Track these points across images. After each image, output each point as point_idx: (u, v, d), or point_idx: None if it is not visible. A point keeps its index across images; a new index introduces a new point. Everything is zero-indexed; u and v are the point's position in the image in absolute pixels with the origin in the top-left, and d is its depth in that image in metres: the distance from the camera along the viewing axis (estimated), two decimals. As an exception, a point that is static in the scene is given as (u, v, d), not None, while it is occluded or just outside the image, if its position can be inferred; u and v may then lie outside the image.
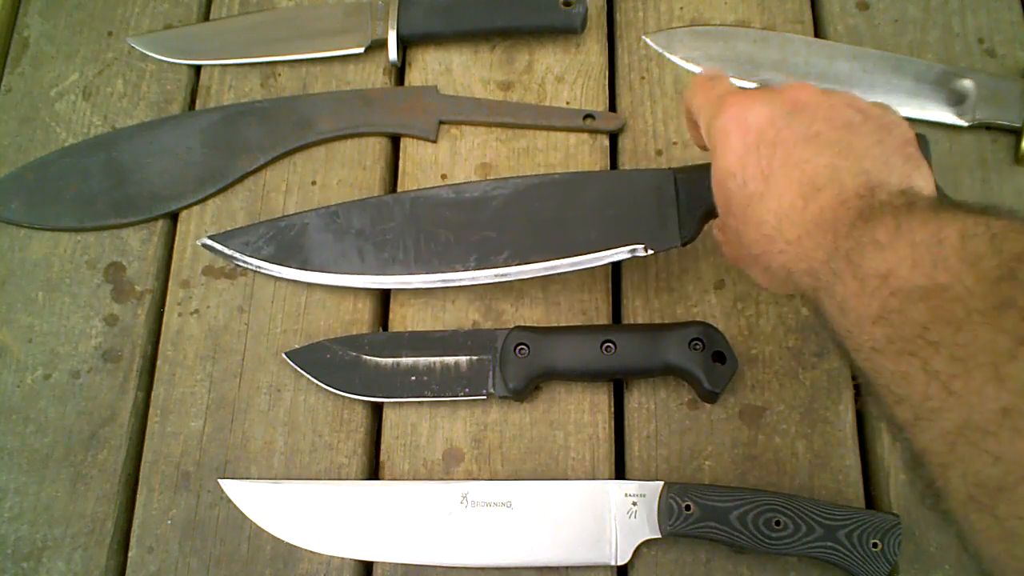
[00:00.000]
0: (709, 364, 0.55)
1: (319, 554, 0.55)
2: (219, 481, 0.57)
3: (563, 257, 0.57)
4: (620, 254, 0.56)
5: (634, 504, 0.53)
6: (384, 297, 0.63)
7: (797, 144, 0.41)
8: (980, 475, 0.28)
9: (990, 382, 0.27)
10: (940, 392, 0.29)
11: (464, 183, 0.62)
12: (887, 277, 0.33)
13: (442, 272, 0.59)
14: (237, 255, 0.63)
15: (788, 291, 0.45)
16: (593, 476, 0.57)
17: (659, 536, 0.52)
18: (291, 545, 0.55)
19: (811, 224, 0.39)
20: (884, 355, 0.33)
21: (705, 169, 0.52)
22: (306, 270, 0.61)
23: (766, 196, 0.41)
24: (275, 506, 0.56)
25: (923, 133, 0.49)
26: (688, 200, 0.55)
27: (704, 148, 0.50)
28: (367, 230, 0.61)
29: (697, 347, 0.56)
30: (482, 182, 0.61)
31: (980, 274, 0.29)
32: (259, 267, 0.62)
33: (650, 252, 0.55)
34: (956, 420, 0.28)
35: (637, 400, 0.58)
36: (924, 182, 0.40)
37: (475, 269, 0.58)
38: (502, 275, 0.58)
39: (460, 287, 0.60)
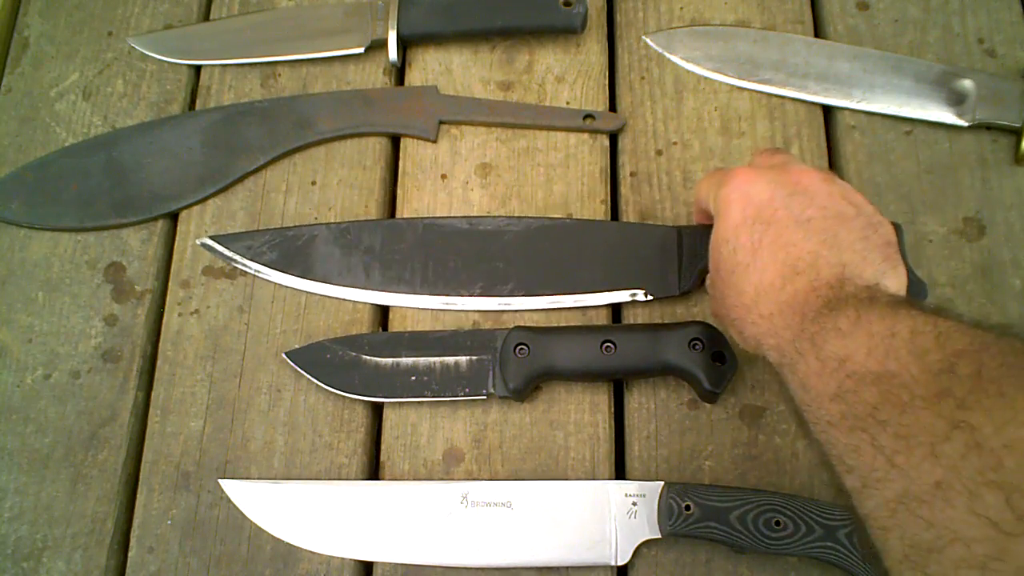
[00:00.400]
0: (709, 364, 0.55)
1: (319, 554, 0.55)
2: (219, 481, 0.57)
3: (567, 294, 0.60)
4: (622, 296, 0.60)
5: (634, 504, 0.53)
6: (384, 297, 0.63)
7: (789, 226, 0.44)
8: (915, 538, 0.31)
9: (927, 459, 0.31)
10: (884, 465, 0.33)
11: (479, 216, 0.63)
12: (845, 361, 0.37)
13: (447, 295, 0.61)
14: (237, 257, 0.63)
15: (758, 354, 0.47)
16: (593, 476, 0.57)
17: (659, 536, 0.52)
18: (291, 545, 0.55)
19: (784, 304, 0.42)
20: (838, 429, 0.36)
21: (707, 229, 0.56)
22: (308, 279, 0.62)
23: (751, 269, 0.44)
24: (275, 506, 0.56)
25: (899, 224, 0.53)
26: (689, 255, 0.60)
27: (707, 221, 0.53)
28: (376, 248, 0.62)
29: (697, 347, 0.56)
30: (497, 218, 0.63)
31: (925, 366, 0.34)
32: (258, 271, 0.63)
33: (650, 298, 0.60)
34: (897, 490, 0.32)
35: (637, 400, 0.58)
36: (895, 281, 0.43)
37: (480, 296, 0.61)
38: (505, 304, 0.61)
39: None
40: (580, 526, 0.53)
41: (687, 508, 0.51)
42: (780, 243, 0.44)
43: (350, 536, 0.55)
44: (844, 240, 0.43)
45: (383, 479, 0.58)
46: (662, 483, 0.53)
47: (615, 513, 0.53)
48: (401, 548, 0.54)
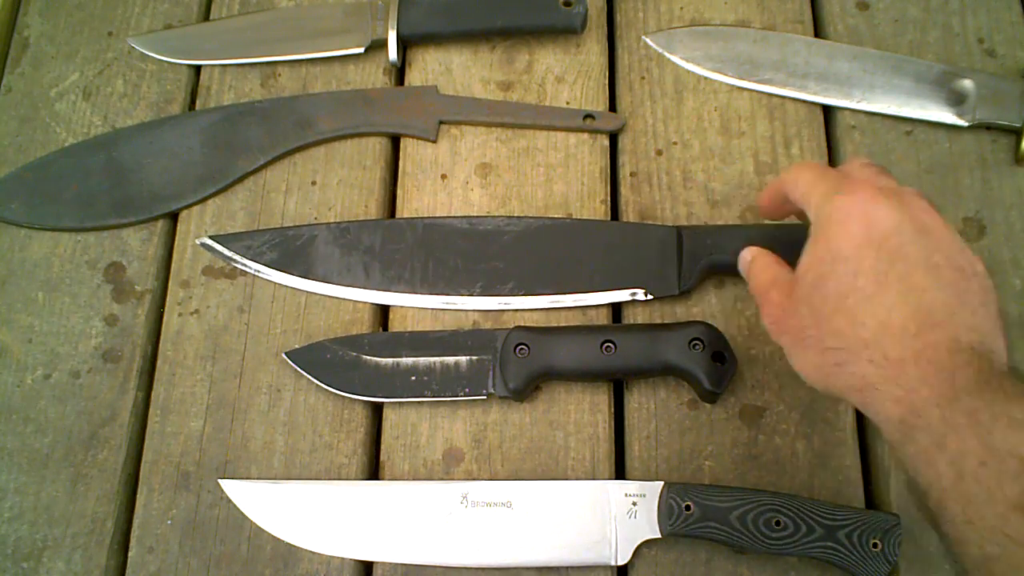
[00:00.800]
0: (709, 364, 0.55)
1: (319, 554, 0.55)
2: (219, 481, 0.57)
3: (567, 293, 0.60)
4: (621, 296, 0.60)
5: (634, 504, 0.53)
6: (384, 297, 0.63)
7: (919, 267, 0.41)
8: None
9: None
10: None
11: (479, 216, 0.63)
12: None
13: (447, 295, 0.61)
14: (237, 257, 0.63)
15: (831, 392, 0.43)
16: (593, 476, 0.57)
17: (659, 536, 0.52)
18: (291, 545, 0.55)
19: (920, 355, 0.39)
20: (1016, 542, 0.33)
21: (706, 229, 0.60)
22: (308, 279, 0.62)
23: (875, 301, 0.40)
24: (275, 506, 0.56)
25: None
26: (689, 255, 0.59)
27: (766, 217, 0.50)
28: (376, 248, 0.62)
29: (697, 347, 0.56)
30: (497, 218, 0.63)
31: None
32: (258, 271, 0.63)
33: (650, 297, 0.60)
34: None
35: (637, 400, 0.58)
36: (1001, 348, 0.41)
37: (480, 295, 0.61)
38: (505, 304, 0.61)
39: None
40: (580, 526, 0.53)
41: (687, 508, 0.51)
42: (910, 283, 0.40)
43: (350, 536, 0.55)
44: (972, 301, 0.40)
45: (383, 479, 0.58)
46: (662, 483, 0.53)
47: (615, 513, 0.53)
48: (401, 548, 0.54)
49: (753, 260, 0.51)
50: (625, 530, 0.52)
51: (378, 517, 0.55)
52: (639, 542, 0.52)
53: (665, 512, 0.52)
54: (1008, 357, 0.40)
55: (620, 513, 0.53)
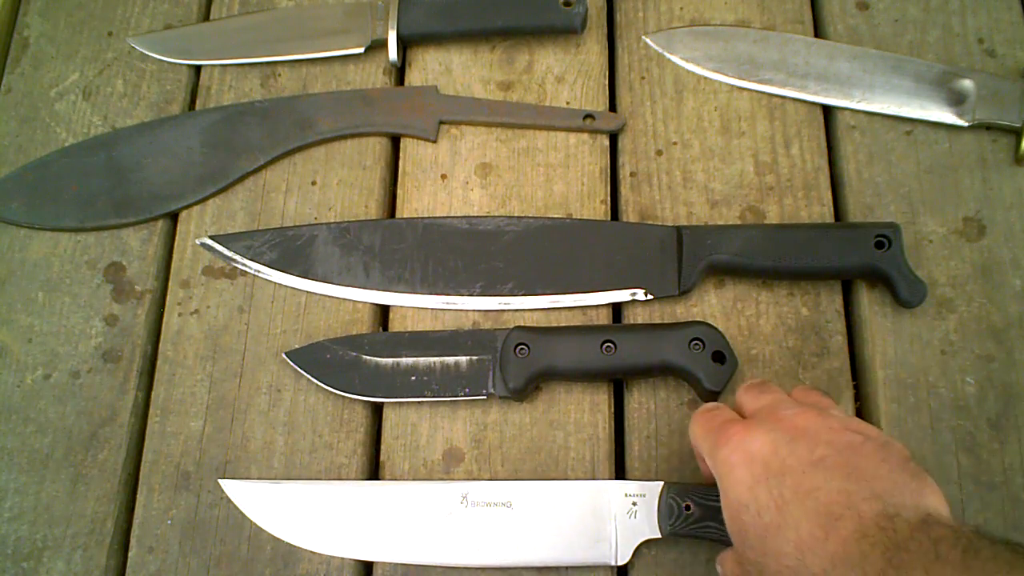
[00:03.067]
0: (709, 364, 0.55)
1: (319, 554, 0.55)
2: (219, 481, 0.57)
3: (567, 293, 0.60)
4: (622, 296, 0.60)
5: (634, 504, 0.53)
6: (384, 297, 0.63)
7: (805, 471, 0.41)
8: None
9: None
10: None
11: (479, 216, 0.63)
12: None
13: (447, 295, 0.61)
14: (237, 257, 0.63)
15: None
16: (593, 476, 0.57)
17: (659, 536, 0.52)
18: (291, 545, 0.55)
19: (836, 558, 0.39)
20: None
21: (706, 229, 0.60)
22: (308, 279, 0.62)
23: (783, 527, 0.41)
24: (274, 506, 0.56)
25: (899, 224, 0.58)
26: (689, 255, 0.59)
27: (710, 480, 0.49)
28: (376, 248, 0.62)
29: (697, 347, 0.56)
30: (497, 218, 0.63)
31: None
32: (258, 271, 0.63)
33: (650, 297, 0.60)
34: None
35: (637, 400, 0.58)
36: (934, 497, 0.41)
37: (480, 295, 0.61)
38: (505, 304, 0.61)
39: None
40: (580, 526, 0.53)
41: (687, 508, 0.51)
42: (803, 491, 0.41)
43: (350, 536, 0.55)
44: (866, 469, 0.41)
45: (383, 479, 0.58)
46: (662, 483, 0.53)
47: (615, 513, 0.53)
48: (401, 548, 0.54)
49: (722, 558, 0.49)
50: (625, 530, 0.52)
51: (378, 517, 0.55)
52: (639, 542, 0.52)
53: (665, 512, 0.52)
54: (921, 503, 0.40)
55: (620, 513, 0.53)
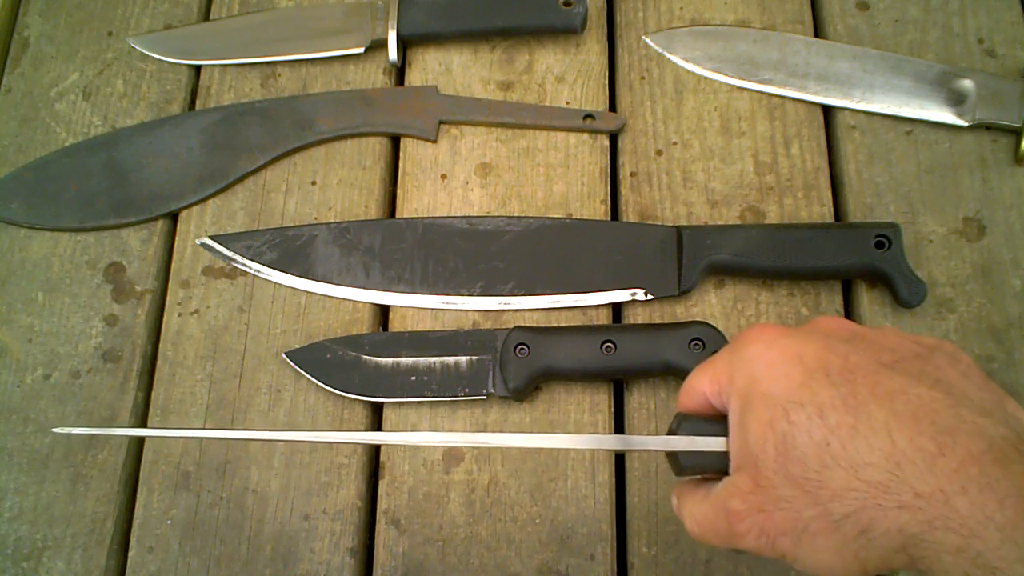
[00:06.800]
0: (709, 364, 0.55)
1: (319, 554, 0.55)
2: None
3: (567, 293, 0.60)
4: (622, 296, 0.60)
5: None
6: (384, 297, 0.63)
7: (880, 372, 0.33)
8: None
9: None
10: None
11: (479, 216, 0.63)
12: None
13: (447, 295, 0.61)
14: (237, 257, 0.63)
15: (875, 573, 0.33)
16: (593, 476, 0.57)
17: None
18: (291, 545, 0.55)
19: (965, 479, 0.30)
20: None
21: (706, 229, 0.60)
22: (308, 279, 0.62)
23: (862, 429, 0.32)
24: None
25: (899, 224, 0.58)
26: (690, 255, 0.60)
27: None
28: (376, 248, 0.62)
29: (697, 347, 0.56)
30: (497, 218, 0.63)
31: None
32: (258, 271, 0.63)
33: (650, 297, 0.60)
34: None
35: (637, 400, 0.58)
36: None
37: (480, 295, 0.61)
38: (505, 304, 0.61)
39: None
40: None
41: None
42: (886, 390, 0.32)
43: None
44: (951, 383, 0.33)
45: (383, 479, 0.58)
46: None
47: None
48: None
49: (682, 497, 0.39)
50: None
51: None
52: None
53: None
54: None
55: None
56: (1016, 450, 0.30)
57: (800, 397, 0.33)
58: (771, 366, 0.35)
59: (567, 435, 0.46)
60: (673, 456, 0.38)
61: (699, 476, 0.38)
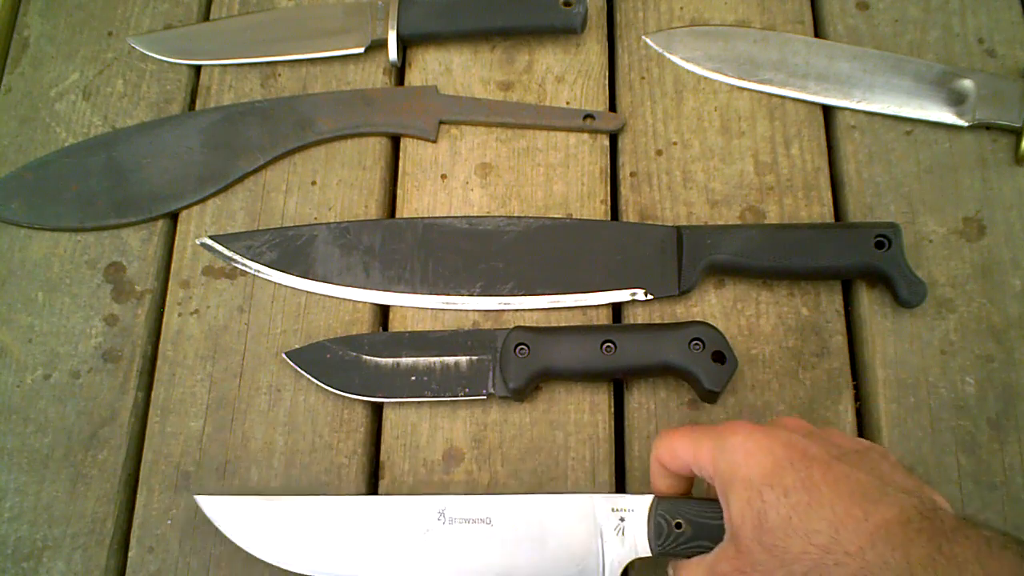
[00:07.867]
0: (709, 364, 0.55)
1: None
2: (195, 497, 0.55)
3: (567, 293, 0.60)
4: (622, 296, 0.60)
5: (621, 520, 0.49)
6: (384, 297, 0.63)
7: (830, 461, 0.42)
8: None
9: None
10: None
11: (479, 216, 0.63)
12: None
13: (447, 295, 0.61)
14: (237, 257, 0.63)
15: None
16: (593, 476, 0.57)
17: (649, 555, 0.48)
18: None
19: (877, 537, 0.38)
20: None
21: (706, 229, 0.60)
22: (308, 279, 0.62)
23: (814, 505, 0.40)
24: (248, 521, 0.53)
25: (898, 224, 0.59)
26: (690, 255, 0.60)
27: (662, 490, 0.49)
28: (376, 248, 0.62)
29: (697, 347, 0.56)
30: (497, 218, 0.63)
31: None
32: (258, 271, 0.63)
33: (650, 297, 0.60)
34: None
35: (637, 400, 0.58)
36: (945, 504, 0.42)
37: (480, 295, 0.61)
38: (505, 304, 0.61)
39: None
40: (563, 544, 0.49)
41: (678, 526, 0.48)
42: (833, 475, 0.41)
43: (323, 553, 0.51)
44: (883, 471, 0.42)
45: (383, 479, 0.58)
46: (651, 496, 0.49)
47: (601, 530, 0.49)
48: (376, 567, 0.51)
49: (677, 567, 0.48)
50: (613, 548, 0.49)
51: (351, 534, 0.51)
52: (627, 561, 0.49)
53: (654, 530, 0.48)
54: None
55: (607, 530, 0.49)
56: (919, 513, 0.39)
57: (771, 480, 0.42)
58: (748, 455, 0.43)
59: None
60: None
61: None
